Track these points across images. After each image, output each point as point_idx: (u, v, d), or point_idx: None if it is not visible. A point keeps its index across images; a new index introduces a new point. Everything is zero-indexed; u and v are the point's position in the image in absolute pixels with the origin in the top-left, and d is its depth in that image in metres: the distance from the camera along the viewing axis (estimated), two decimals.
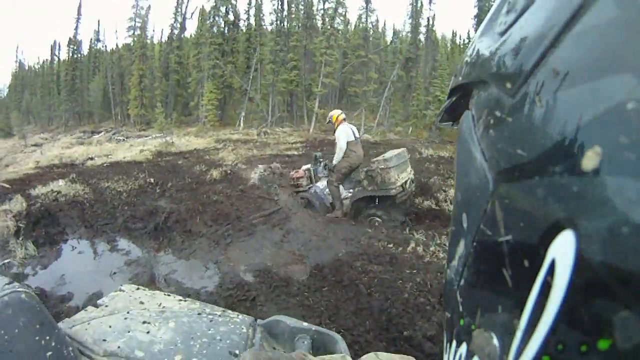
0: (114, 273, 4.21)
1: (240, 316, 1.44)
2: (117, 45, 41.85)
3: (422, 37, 26.78)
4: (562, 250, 0.24)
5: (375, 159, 5.66)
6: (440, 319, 3.05)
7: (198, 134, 20.98)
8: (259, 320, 1.45)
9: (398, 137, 19.76)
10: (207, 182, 7.83)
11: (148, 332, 1.20)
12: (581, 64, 0.25)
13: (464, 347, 0.37)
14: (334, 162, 6.00)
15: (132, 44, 33.19)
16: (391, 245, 4.56)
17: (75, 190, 6.61)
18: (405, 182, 5.73)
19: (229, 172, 8.69)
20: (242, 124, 23.79)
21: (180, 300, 1.49)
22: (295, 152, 13.04)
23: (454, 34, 52.65)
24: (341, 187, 6.18)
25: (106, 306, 1.34)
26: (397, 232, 5.11)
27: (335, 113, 6.26)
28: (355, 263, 4.07)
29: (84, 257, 4.65)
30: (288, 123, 23.96)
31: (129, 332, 1.19)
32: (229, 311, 1.46)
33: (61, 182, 7.17)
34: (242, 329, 1.34)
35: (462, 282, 0.39)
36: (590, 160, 0.22)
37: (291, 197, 6.82)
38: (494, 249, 0.31)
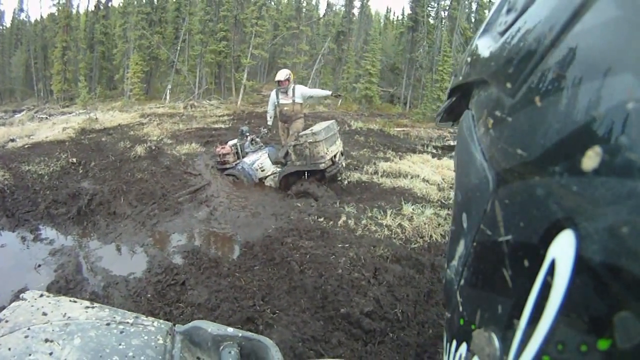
0: (39, 265, 3.92)
1: (155, 323, 1.28)
2: (41, 15, 37.90)
3: (356, 11, 27.01)
4: (562, 250, 0.24)
5: (303, 133, 5.64)
6: (376, 294, 3.16)
7: (123, 108, 19.71)
8: (177, 326, 1.30)
9: (327, 109, 19.92)
10: (131, 160, 7.42)
11: (51, 354, 1.05)
12: (581, 64, 0.24)
13: (464, 347, 0.37)
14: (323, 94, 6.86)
15: (56, 14, 29.99)
16: (322, 220, 4.61)
17: None
18: (335, 155, 5.81)
19: (154, 148, 8.27)
20: (168, 97, 22.69)
21: (88, 307, 1.28)
22: (222, 126, 12.67)
23: (388, 10, 53.83)
24: (268, 163, 6.17)
25: (6, 321, 1.15)
26: (328, 205, 5.19)
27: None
28: (286, 239, 4.08)
29: (7, 251, 4.31)
30: (215, 95, 23.17)
31: (30, 355, 1.03)
32: (143, 317, 1.30)
33: None
34: (159, 339, 1.20)
35: (462, 282, 0.39)
36: (590, 160, 0.22)
37: (219, 172, 6.68)
38: (494, 249, 0.31)
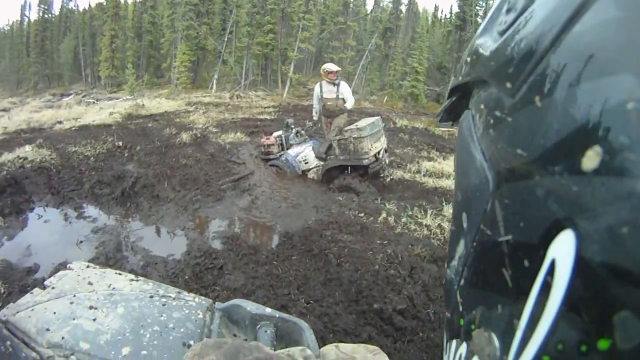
0: (81, 242, 4.11)
1: (196, 299, 1.34)
2: (89, 4, 40.20)
3: (403, 8, 26.57)
4: (562, 250, 0.24)
5: (348, 128, 5.62)
6: (411, 292, 3.13)
7: (169, 96, 20.35)
8: (217, 304, 1.36)
9: (373, 106, 19.75)
10: (176, 146, 7.66)
11: (95, 320, 1.11)
12: (581, 64, 0.24)
13: (464, 347, 0.37)
14: (349, 107, 6.39)
15: (104, 3, 31.68)
16: (362, 215, 4.61)
17: (42, 156, 6.34)
18: (379, 151, 5.76)
19: (199, 135, 8.50)
20: (214, 87, 23.23)
21: (132, 280, 1.37)
22: (268, 117, 12.85)
23: (436, 8, 52.73)
24: (312, 156, 6.19)
25: (53, 288, 1.23)
26: (369, 201, 5.17)
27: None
28: (325, 232, 4.09)
29: (51, 226, 4.53)
30: (262, 87, 23.51)
31: (74, 319, 1.09)
32: (185, 293, 1.37)
33: (28, 148, 6.86)
34: (198, 314, 1.26)
35: (462, 282, 0.39)
36: (590, 160, 0.22)
37: (262, 162, 6.77)
38: (494, 249, 0.32)
